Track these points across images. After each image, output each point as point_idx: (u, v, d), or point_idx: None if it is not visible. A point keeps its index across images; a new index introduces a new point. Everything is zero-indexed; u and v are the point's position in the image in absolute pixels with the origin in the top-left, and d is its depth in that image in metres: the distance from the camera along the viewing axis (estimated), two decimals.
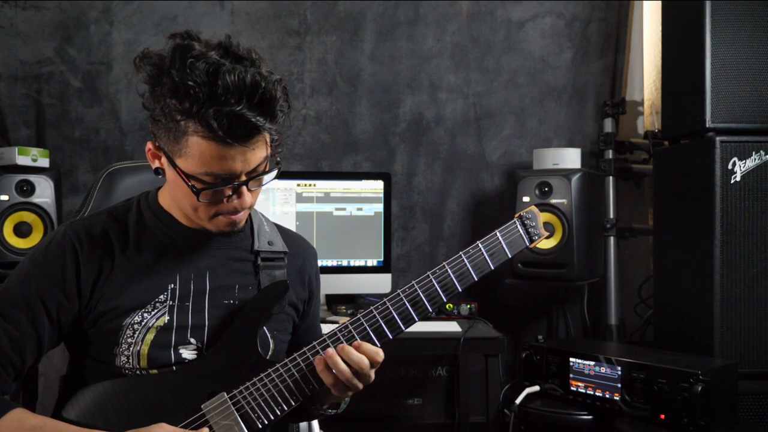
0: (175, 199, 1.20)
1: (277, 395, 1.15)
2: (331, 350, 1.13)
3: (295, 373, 1.16)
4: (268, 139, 1.11)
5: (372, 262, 2.52)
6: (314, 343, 1.17)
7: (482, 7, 2.87)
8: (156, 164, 1.16)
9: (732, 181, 2.03)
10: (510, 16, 2.88)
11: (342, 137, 2.84)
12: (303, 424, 1.57)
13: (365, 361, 1.13)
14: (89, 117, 2.72)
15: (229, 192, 1.11)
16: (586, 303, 2.77)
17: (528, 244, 1.28)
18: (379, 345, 1.18)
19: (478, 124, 2.88)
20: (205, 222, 1.17)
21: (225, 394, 1.14)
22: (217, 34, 1.12)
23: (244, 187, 1.12)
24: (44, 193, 2.30)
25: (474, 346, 2.20)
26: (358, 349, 1.13)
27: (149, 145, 1.15)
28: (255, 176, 1.12)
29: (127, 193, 1.39)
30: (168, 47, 1.07)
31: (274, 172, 1.15)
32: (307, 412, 1.29)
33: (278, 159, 1.16)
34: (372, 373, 1.15)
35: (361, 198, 2.51)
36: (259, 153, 1.09)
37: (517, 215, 1.28)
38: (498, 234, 1.25)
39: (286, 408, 1.16)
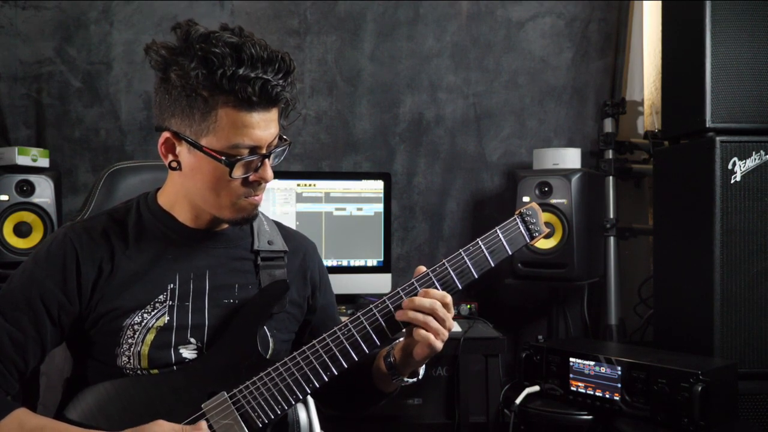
0: (192, 190, 1.19)
1: (277, 394, 1.15)
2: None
3: (295, 372, 1.16)
4: (279, 111, 1.16)
5: (372, 262, 2.52)
6: (314, 342, 1.17)
7: (482, 7, 2.87)
8: (170, 158, 1.16)
9: (732, 181, 2.03)
10: (510, 16, 2.88)
11: (342, 137, 2.84)
12: (303, 423, 1.56)
13: (427, 302, 1.14)
14: (89, 117, 2.72)
15: (258, 163, 1.14)
16: (586, 303, 2.77)
17: (528, 240, 1.27)
18: (379, 344, 1.18)
19: (478, 124, 2.88)
20: (227, 208, 1.17)
21: (225, 393, 1.14)
22: None
23: (266, 160, 1.15)
24: (44, 193, 2.30)
25: (474, 346, 2.20)
26: (425, 295, 1.16)
27: (165, 135, 1.15)
28: (272, 149, 1.16)
29: (129, 193, 1.39)
30: (179, 34, 1.10)
31: (285, 146, 1.19)
32: (382, 389, 1.30)
33: (285, 137, 1.19)
34: (445, 314, 1.15)
35: (361, 198, 2.51)
36: (276, 123, 1.16)
37: (517, 212, 1.27)
38: (498, 231, 1.24)
39: (286, 407, 1.16)
